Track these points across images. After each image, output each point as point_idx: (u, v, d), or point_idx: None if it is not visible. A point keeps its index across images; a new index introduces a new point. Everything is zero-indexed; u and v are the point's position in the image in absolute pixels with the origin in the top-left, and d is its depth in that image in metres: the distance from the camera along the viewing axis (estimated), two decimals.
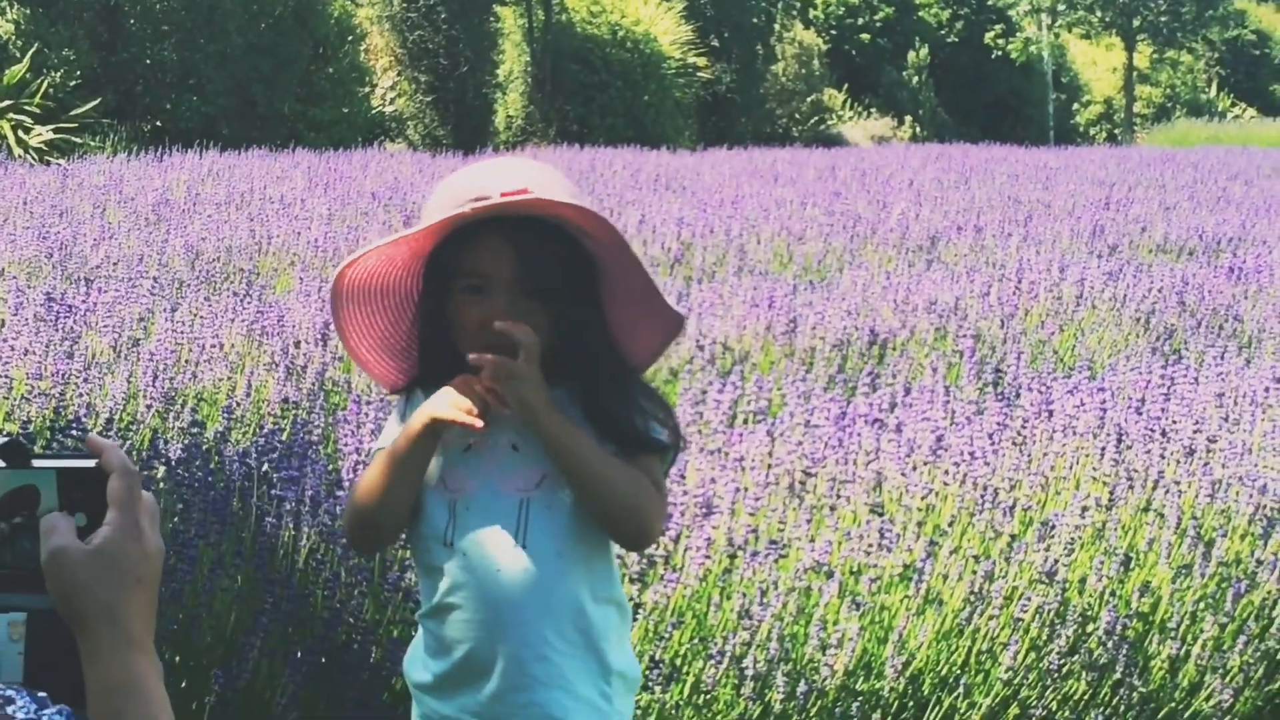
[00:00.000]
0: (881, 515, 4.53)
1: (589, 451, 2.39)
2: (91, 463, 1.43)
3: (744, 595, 4.20)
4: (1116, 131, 44.42)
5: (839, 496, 4.68)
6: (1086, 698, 4.44)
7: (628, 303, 2.47)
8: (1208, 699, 4.60)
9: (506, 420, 2.42)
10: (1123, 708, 4.44)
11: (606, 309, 2.45)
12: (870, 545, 4.38)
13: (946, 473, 4.77)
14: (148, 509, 1.42)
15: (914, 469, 4.81)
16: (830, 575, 4.31)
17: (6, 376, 6.24)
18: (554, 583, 2.41)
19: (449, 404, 2.38)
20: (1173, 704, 4.57)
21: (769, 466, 4.76)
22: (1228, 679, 4.61)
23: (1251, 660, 4.67)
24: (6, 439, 1.42)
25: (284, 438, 4.90)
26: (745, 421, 5.55)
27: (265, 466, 4.37)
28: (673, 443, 2.50)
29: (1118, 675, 4.45)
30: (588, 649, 2.44)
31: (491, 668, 2.42)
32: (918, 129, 38.73)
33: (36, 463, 1.42)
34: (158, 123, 24.94)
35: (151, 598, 1.40)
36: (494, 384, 2.37)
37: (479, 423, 2.37)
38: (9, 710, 1.29)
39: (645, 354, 2.54)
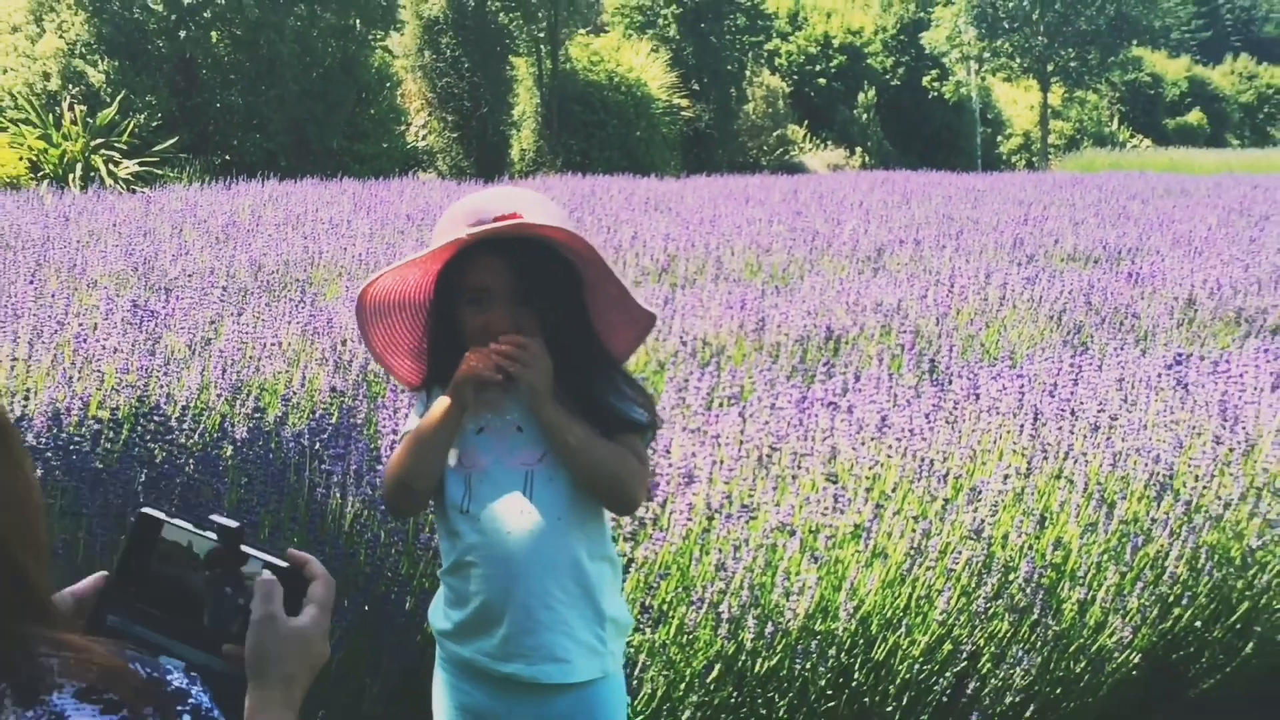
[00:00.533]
0: (836, 483, 4.52)
1: (580, 433, 2.40)
2: (285, 564, 1.43)
3: (720, 551, 4.19)
4: (1034, 159, 44.38)
5: (800, 467, 4.67)
6: (1009, 635, 4.44)
7: (607, 306, 2.48)
8: (1110, 636, 4.59)
9: (512, 405, 2.44)
10: (1039, 644, 4.43)
11: (590, 312, 2.47)
12: (826, 508, 4.37)
13: (890, 447, 4.77)
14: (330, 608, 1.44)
15: (863, 444, 4.80)
16: (793, 534, 4.31)
17: (99, 371, 6.22)
18: (556, 542, 2.42)
19: (471, 366, 2.40)
20: (1081, 640, 4.56)
21: (741, 443, 4.75)
22: (1127, 619, 4.60)
23: (1147, 603, 4.66)
24: (233, 526, 1.40)
25: (333, 421, 4.89)
26: (721, 405, 5.55)
27: (317, 445, 4.36)
28: (650, 422, 2.50)
29: (1035, 616, 4.45)
30: (585, 599, 2.44)
31: (503, 616, 2.42)
32: (866, 158, 38.67)
33: (246, 549, 1.41)
34: (226, 156, 24.89)
35: (309, 681, 1.40)
36: (509, 364, 2.38)
37: (498, 376, 2.38)
38: (169, 678, 1.25)
39: (624, 348, 2.55)
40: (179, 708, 1.20)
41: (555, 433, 2.40)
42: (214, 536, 1.39)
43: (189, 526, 1.39)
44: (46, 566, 1.20)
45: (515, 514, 2.41)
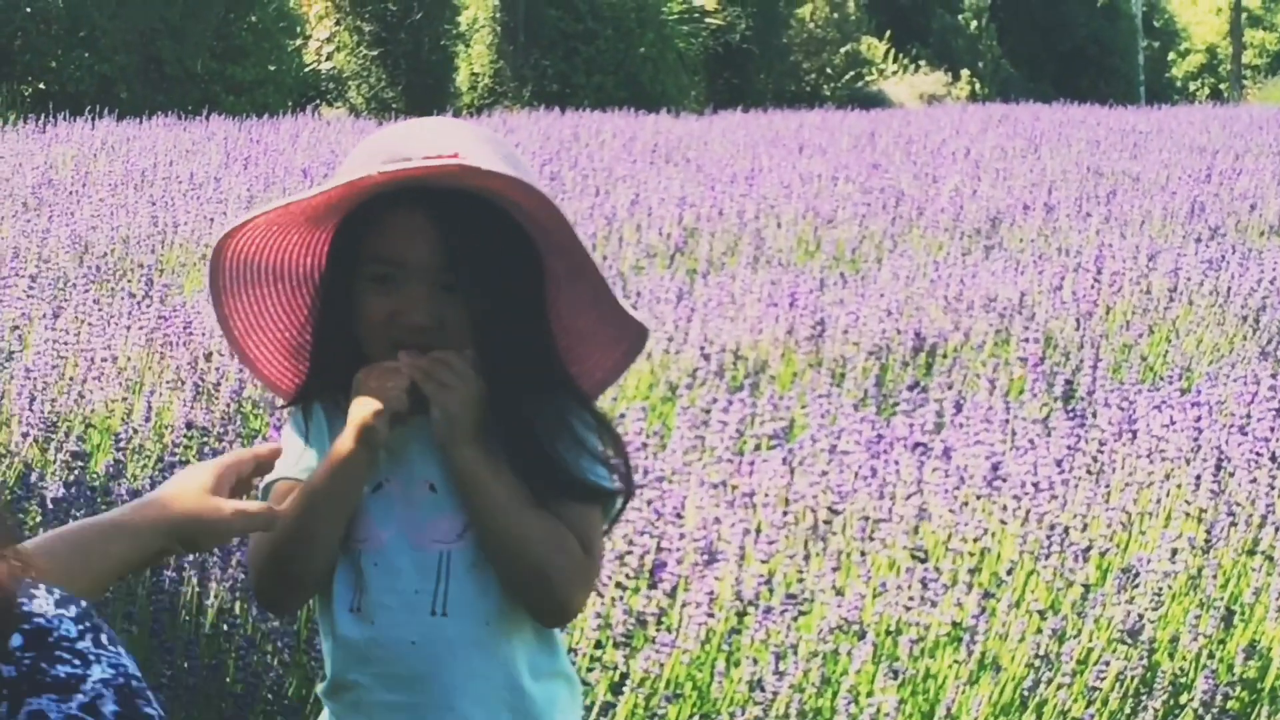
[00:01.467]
0: (924, 561, 4.52)
1: (503, 495, 2.35)
2: None
3: (755, 661, 4.19)
4: (1222, 87, 44.46)
5: (873, 539, 4.67)
6: None
7: (577, 306, 2.43)
8: None
9: (422, 453, 2.38)
10: None
11: (549, 311, 2.42)
12: (911, 598, 4.37)
13: (1005, 508, 4.77)
14: None
15: (964, 504, 4.80)
16: (862, 636, 4.31)
17: None
18: (484, 657, 2.39)
19: (374, 391, 2.36)
20: None
21: (787, 502, 4.75)
22: None
23: None
24: None
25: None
26: (758, 447, 5.55)
27: None
28: (618, 488, 2.45)
29: None
30: None
31: None
32: (977, 86, 38.74)
33: None
34: (40, 85, 24.97)
35: None
36: (422, 380, 2.34)
37: (404, 404, 2.35)
38: (27, 603, 1.48)
39: (599, 373, 2.50)
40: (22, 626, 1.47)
41: (471, 486, 2.36)
42: None
43: None
44: None
45: (424, 616, 2.39)
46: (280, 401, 2.60)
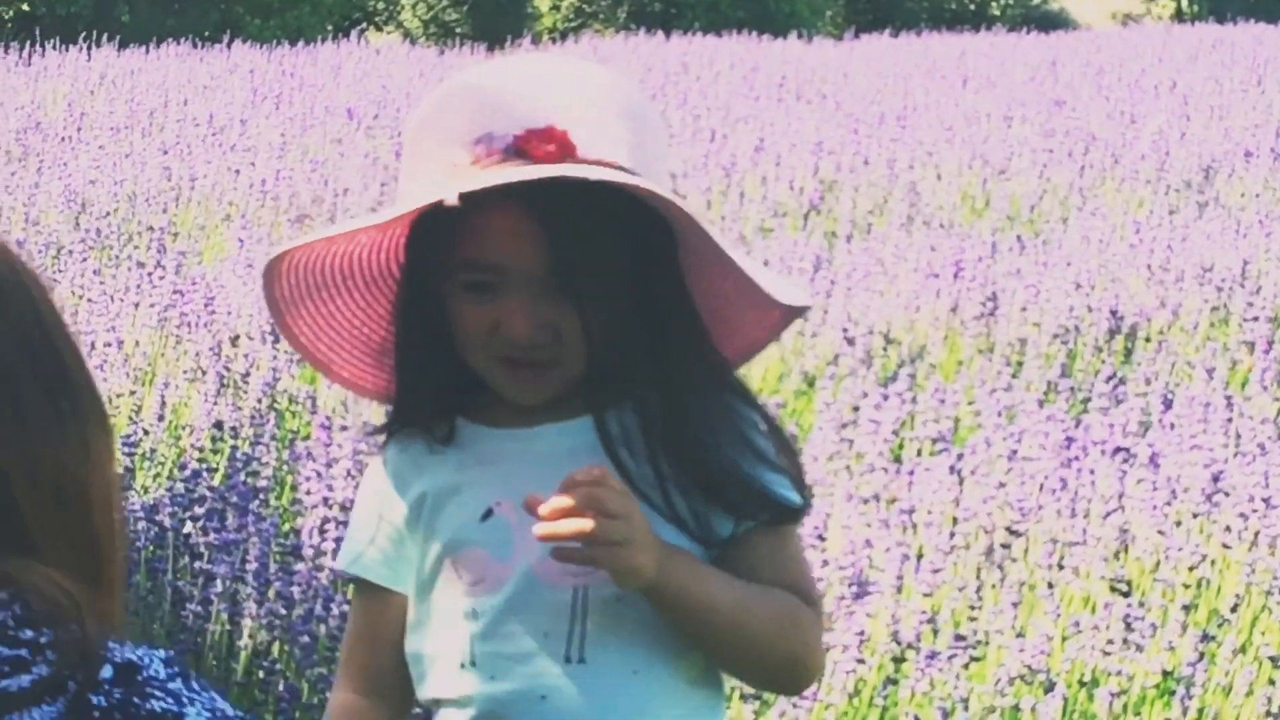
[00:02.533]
0: (1128, 595, 4.51)
1: (722, 599, 2.33)
2: None
3: (917, 719, 4.19)
4: None
5: (1062, 566, 4.66)
6: None
7: (721, 293, 2.43)
8: None
9: (537, 463, 2.36)
10: None
11: (693, 296, 2.40)
12: (1111, 640, 4.36)
13: (1228, 529, 4.75)
14: None
15: (1177, 524, 4.79)
16: (1051, 688, 4.30)
17: None
18: (630, 710, 2.41)
19: None
20: None
21: (955, 521, 4.75)
22: None
23: None
24: None
25: (215, 482, 4.93)
26: (919, 453, 5.55)
27: (187, 526, 4.40)
28: (804, 502, 2.45)
29: None
30: None
31: None
32: (1184, 2, 38.55)
33: None
34: (25, 6, 25.18)
35: None
36: (599, 555, 2.30)
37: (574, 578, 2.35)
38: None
39: (744, 343, 2.50)
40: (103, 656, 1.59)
41: (686, 612, 2.33)
42: None
43: None
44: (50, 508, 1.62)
45: (558, 664, 2.40)
46: (371, 415, 2.56)
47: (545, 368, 2.35)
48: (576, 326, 2.31)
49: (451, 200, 2.21)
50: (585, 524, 2.21)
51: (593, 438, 2.36)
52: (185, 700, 1.68)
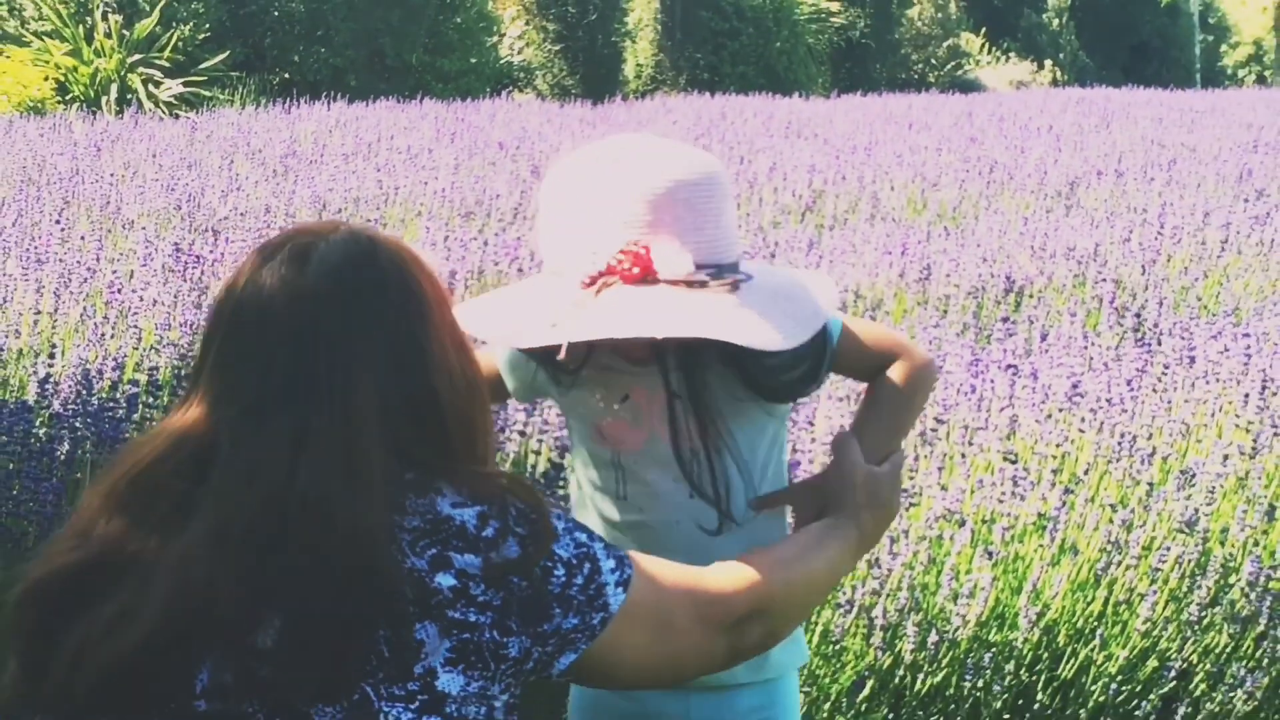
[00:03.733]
0: (1015, 463, 4.49)
1: (901, 424, 2.45)
2: None
3: None
4: (1266, 73, 43.51)
5: (971, 444, 4.64)
6: (1229, 650, 4.38)
7: None
8: None
9: (657, 371, 2.33)
10: (1266, 660, 4.37)
11: None
12: (1003, 494, 4.34)
13: (1083, 420, 4.72)
14: None
15: (1049, 416, 4.76)
16: (962, 524, 4.29)
17: (136, 327, 6.34)
18: (742, 532, 2.38)
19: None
20: None
21: None
22: None
23: None
24: None
25: None
26: None
27: None
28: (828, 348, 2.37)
29: (1261, 628, 4.38)
30: None
31: None
32: (1058, 73, 38.14)
33: None
34: (285, 75, 25.19)
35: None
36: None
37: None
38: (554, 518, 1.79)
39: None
40: (554, 524, 1.76)
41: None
42: None
43: None
44: (475, 419, 1.81)
45: (684, 500, 2.37)
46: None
47: (649, 359, 2.29)
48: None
49: (562, 346, 2.13)
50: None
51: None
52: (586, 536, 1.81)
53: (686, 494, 2.34)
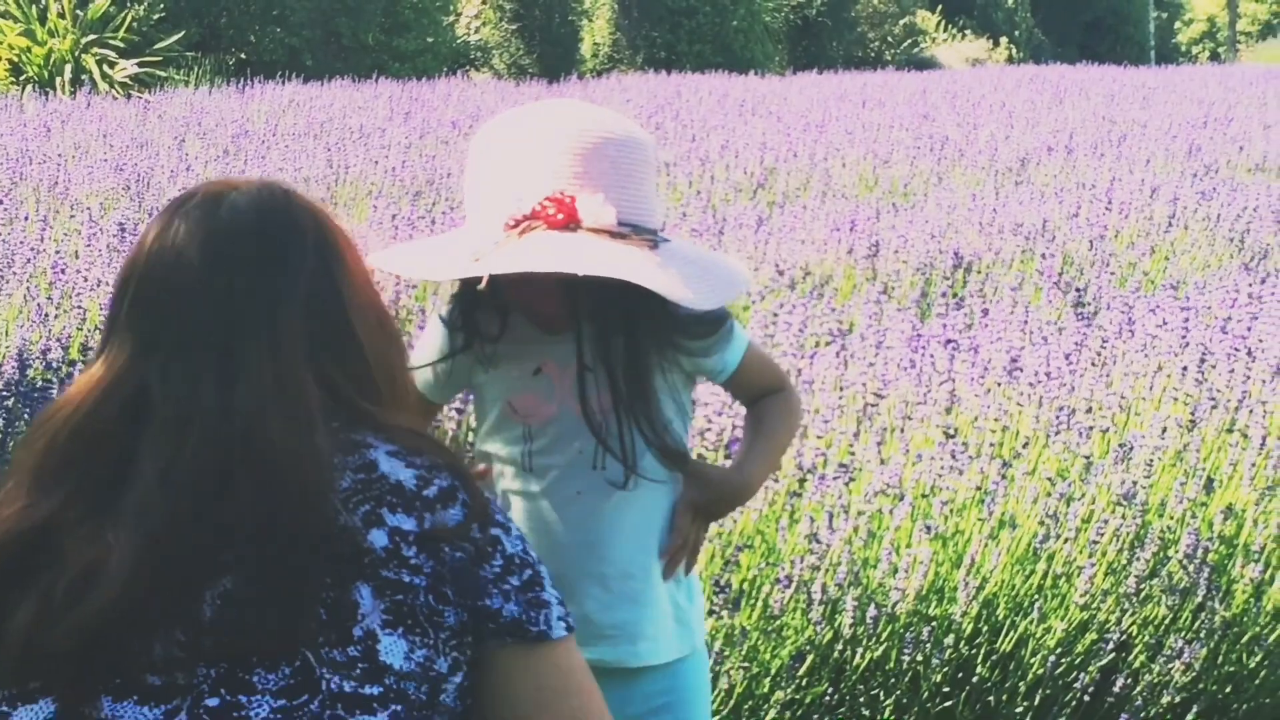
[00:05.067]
0: (954, 437, 4.48)
1: (773, 452, 2.56)
2: None
3: (813, 519, 4.17)
4: (1219, 50, 43.69)
5: (911, 418, 4.63)
6: (1166, 622, 4.39)
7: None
8: None
9: (573, 341, 2.36)
10: (1204, 632, 4.38)
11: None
12: (942, 468, 4.33)
13: (1022, 393, 4.72)
14: None
15: (988, 390, 4.75)
16: (901, 498, 4.28)
17: (80, 307, 6.29)
18: (635, 501, 2.41)
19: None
20: (1257, 628, 4.50)
21: (840, 388, 4.72)
22: None
23: None
24: None
25: None
26: (817, 343, 5.51)
27: None
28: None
29: (1199, 599, 4.39)
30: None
31: (574, 592, 2.39)
32: (1013, 51, 38.22)
33: None
34: (241, 55, 25.04)
35: None
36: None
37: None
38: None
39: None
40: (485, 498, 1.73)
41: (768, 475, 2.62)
42: None
43: None
44: (393, 360, 1.79)
45: (586, 472, 2.39)
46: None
47: (563, 326, 2.34)
48: (589, 295, 2.26)
49: (484, 275, 2.16)
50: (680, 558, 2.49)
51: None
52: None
53: (590, 465, 2.36)
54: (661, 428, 2.36)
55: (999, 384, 4.75)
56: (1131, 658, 4.37)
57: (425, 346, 2.49)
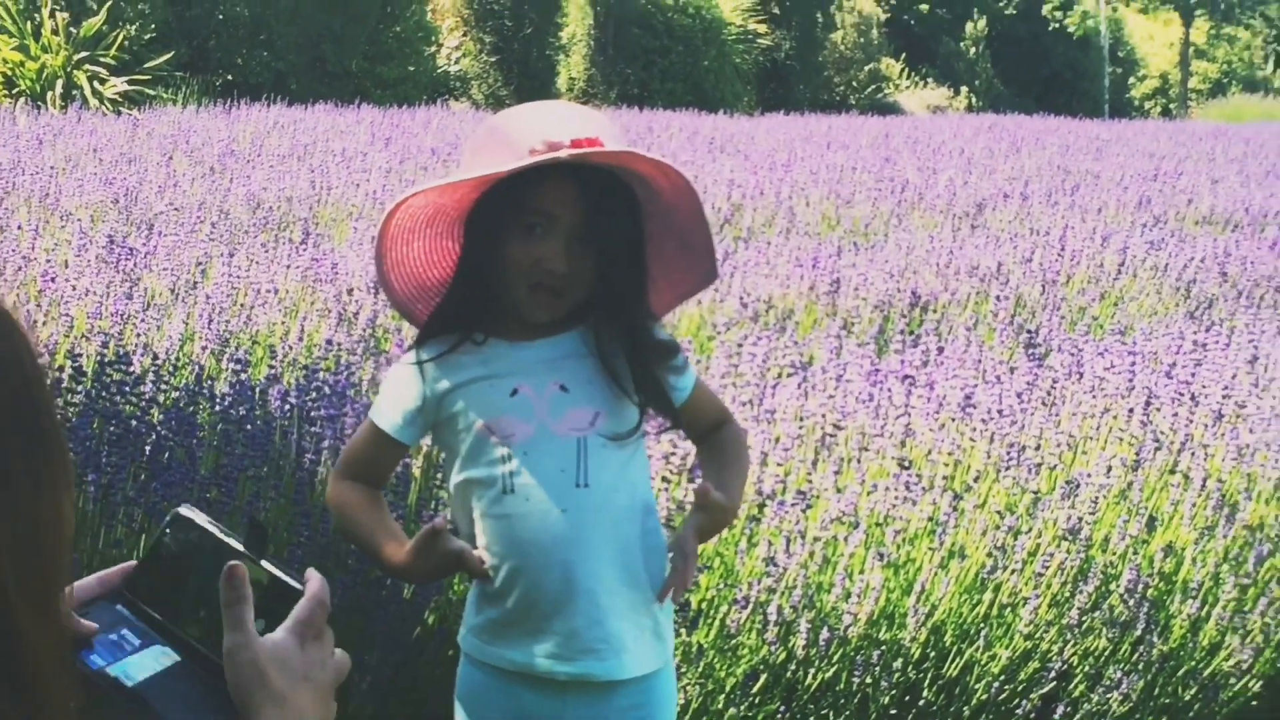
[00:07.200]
0: (908, 469, 4.51)
1: (734, 491, 2.55)
2: (301, 586, 1.44)
3: (770, 543, 4.19)
4: (1171, 106, 43.99)
5: (867, 450, 4.66)
6: (1106, 653, 4.42)
7: (667, 256, 2.47)
8: (1227, 658, 4.57)
9: (549, 362, 2.43)
10: (1142, 664, 4.42)
11: (648, 262, 2.46)
12: (896, 498, 4.36)
13: (974, 429, 4.75)
14: (324, 636, 1.44)
15: (942, 425, 4.79)
16: (856, 526, 4.31)
17: (68, 315, 6.29)
18: (615, 518, 2.42)
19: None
20: (1192, 662, 4.55)
21: (800, 419, 4.75)
22: (1247, 639, 4.58)
23: (1272, 622, 4.64)
24: (254, 524, 1.45)
25: (326, 377, 4.92)
26: (780, 375, 5.54)
27: (309, 406, 4.39)
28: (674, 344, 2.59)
29: (1138, 633, 4.43)
30: (644, 578, 2.46)
31: (563, 607, 2.40)
32: (973, 99, 38.44)
33: (263, 562, 1.43)
34: (229, 76, 25.02)
35: (322, 698, 1.42)
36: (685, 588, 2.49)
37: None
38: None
39: (668, 304, 2.56)
40: None
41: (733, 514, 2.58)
42: (239, 544, 1.42)
43: (219, 531, 1.43)
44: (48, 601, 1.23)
45: (569, 491, 2.40)
46: (408, 328, 2.64)
47: (561, 295, 2.42)
48: (588, 271, 2.39)
49: (555, 158, 2.30)
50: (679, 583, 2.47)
51: (571, 347, 2.46)
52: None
53: (573, 484, 2.37)
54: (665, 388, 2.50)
55: (953, 419, 4.79)
56: (1072, 687, 4.40)
57: (394, 388, 2.50)
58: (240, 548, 1.42)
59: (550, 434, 2.39)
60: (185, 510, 1.45)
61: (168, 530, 1.44)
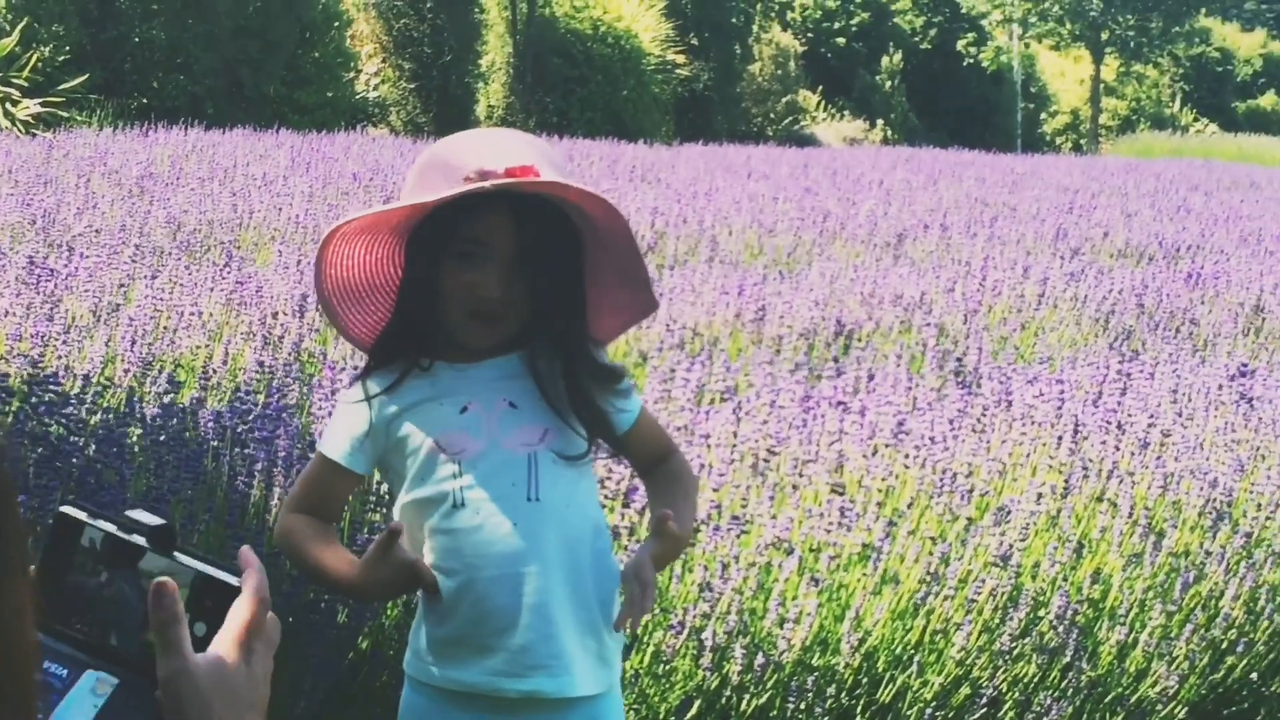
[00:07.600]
0: (842, 495, 4.52)
1: (686, 518, 2.54)
2: (235, 580, 1.30)
3: (705, 569, 4.19)
4: (1082, 141, 44.53)
5: (801, 476, 4.67)
6: (1036, 679, 4.45)
7: (607, 283, 2.47)
8: (1154, 685, 4.60)
9: (498, 380, 2.43)
10: (1071, 690, 4.44)
11: (585, 288, 2.46)
12: (830, 524, 4.37)
13: (907, 456, 4.77)
14: (266, 634, 1.32)
15: (875, 452, 4.80)
16: (790, 552, 4.31)
17: None
18: (565, 534, 2.41)
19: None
20: (1120, 688, 4.58)
21: (734, 445, 4.75)
22: (1173, 666, 4.62)
23: (1197, 649, 4.68)
24: (160, 524, 1.31)
25: (258, 399, 4.87)
26: (712, 401, 5.55)
27: (240, 428, 4.34)
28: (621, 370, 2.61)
29: (1067, 659, 4.46)
30: (592, 597, 2.44)
31: (514, 624, 2.39)
32: (889, 132, 38.74)
33: (180, 556, 1.30)
34: (145, 100, 24.79)
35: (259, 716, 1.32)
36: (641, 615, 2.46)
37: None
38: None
39: (611, 331, 2.57)
40: None
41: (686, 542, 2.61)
42: (142, 541, 1.30)
43: (114, 529, 1.30)
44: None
45: (520, 505, 2.40)
46: (336, 353, 2.62)
47: (498, 320, 2.43)
48: (524, 296, 2.40)
49: (481, 188, 2.30)
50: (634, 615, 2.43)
51: (516, 368, 2.47)
52: None
53: (524, 498, 2.38)
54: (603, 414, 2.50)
55: (885, 446, 4.81)
56: (1002, 713, 4.42)
57: (342, 419, 2.48)
58: (143, 543, 1.30)
59: (501, 448, 2.40)
60: (69, 510, 1.31)
61: (56, 538, 1.30)
